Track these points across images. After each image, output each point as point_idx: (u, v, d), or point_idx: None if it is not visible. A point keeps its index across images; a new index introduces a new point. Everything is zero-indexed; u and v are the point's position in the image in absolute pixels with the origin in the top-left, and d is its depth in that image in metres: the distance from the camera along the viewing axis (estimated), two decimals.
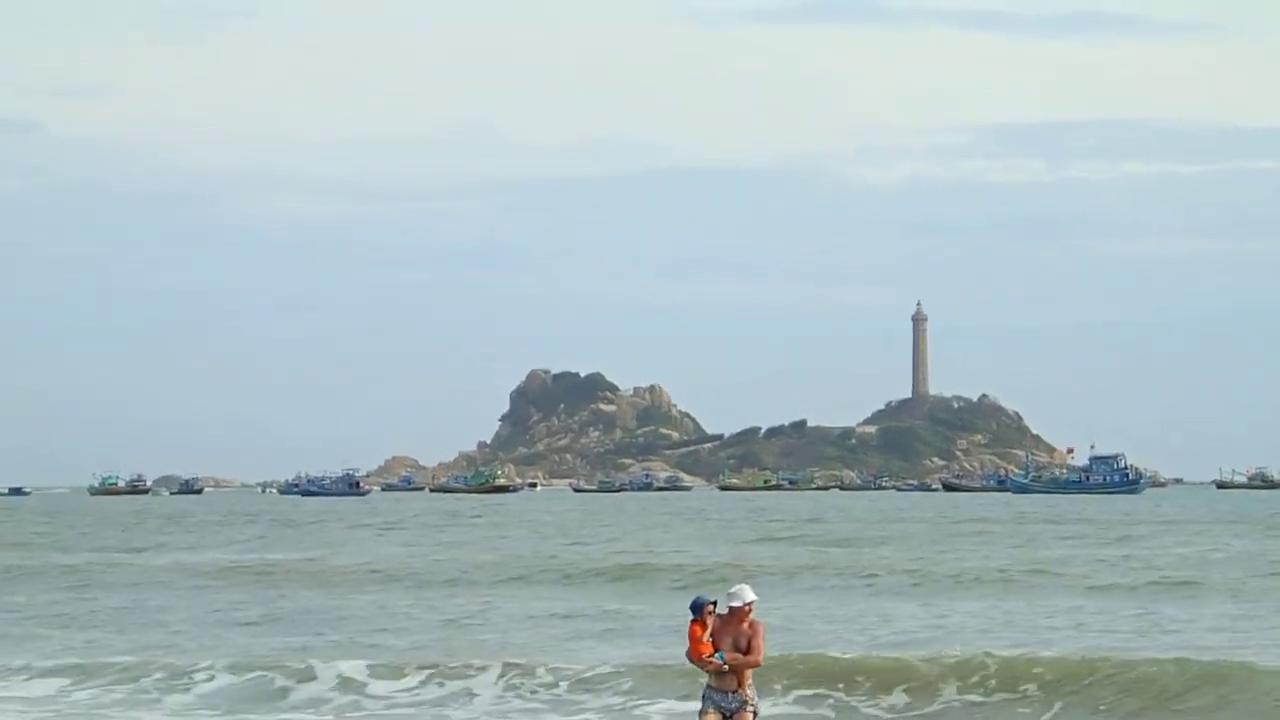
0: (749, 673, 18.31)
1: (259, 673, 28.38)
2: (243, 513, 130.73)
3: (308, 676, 27.97)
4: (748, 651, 18.20)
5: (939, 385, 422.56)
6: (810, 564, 52.08)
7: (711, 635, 18.18)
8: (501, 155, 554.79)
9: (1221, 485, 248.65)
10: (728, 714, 18.32)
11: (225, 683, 27.97)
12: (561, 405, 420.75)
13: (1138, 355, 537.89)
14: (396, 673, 27.97)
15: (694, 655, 18.29)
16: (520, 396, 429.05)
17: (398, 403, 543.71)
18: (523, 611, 38.92)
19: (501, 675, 27.52)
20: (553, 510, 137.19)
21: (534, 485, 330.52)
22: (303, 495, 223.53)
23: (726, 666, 18.17)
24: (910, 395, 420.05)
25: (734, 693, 18.28)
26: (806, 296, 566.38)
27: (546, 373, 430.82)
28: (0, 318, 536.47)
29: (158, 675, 28.50)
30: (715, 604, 18.29)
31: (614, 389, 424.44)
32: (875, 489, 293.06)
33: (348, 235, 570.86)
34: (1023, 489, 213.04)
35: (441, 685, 27.35)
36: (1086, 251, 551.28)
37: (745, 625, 18.22)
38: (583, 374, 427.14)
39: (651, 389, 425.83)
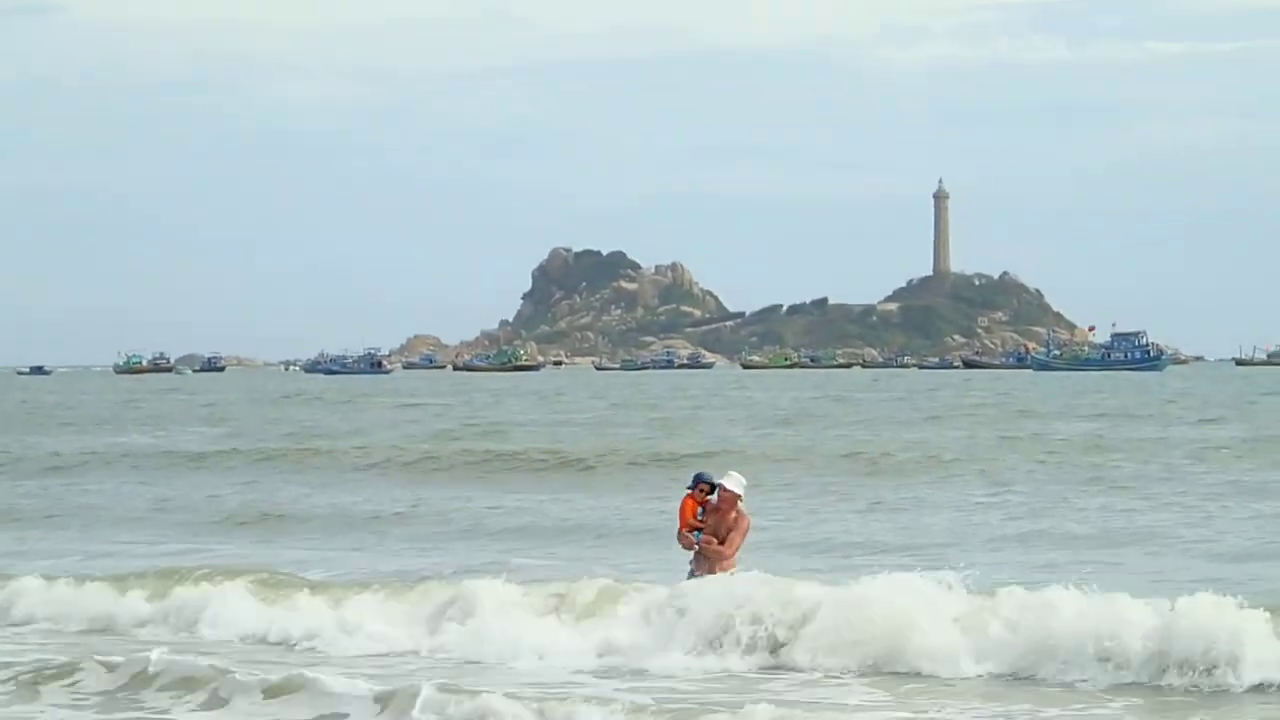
0: (727, 563, 18.21)
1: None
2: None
3: None
4: (723, 541, 18.20)
5: (960, 263, 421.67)
6: None
7: (703, 517, 18.30)
8: (527, 39, 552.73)
9: (1241, 362, 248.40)
10: None
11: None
12: (583, 283, 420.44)
13: (1160, 233, 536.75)
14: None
15: (680, 530, 18.48)
16: (542, 275, 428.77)
17: (419, 281, 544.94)
18: None
19: None
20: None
21: (559, 363, 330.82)
22: (326, 374, 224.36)
23: (696, 548, 18.21)
24: (932, 273, 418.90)
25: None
26: (828, 176, 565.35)
27: (568, 251, 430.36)
28: (19, 204, 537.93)
29: None
30: (712, 486, 18.33)
31: (636, 267, 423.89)
32: (897, 366, 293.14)
33: (372, 118, 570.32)
34: (1044, 366, 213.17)
35: None
36: (1110, 130, 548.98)
37: (731, 515, 18.19)
38: (604, 252, 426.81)
39: (673, 267, 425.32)
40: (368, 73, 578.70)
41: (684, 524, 18.27)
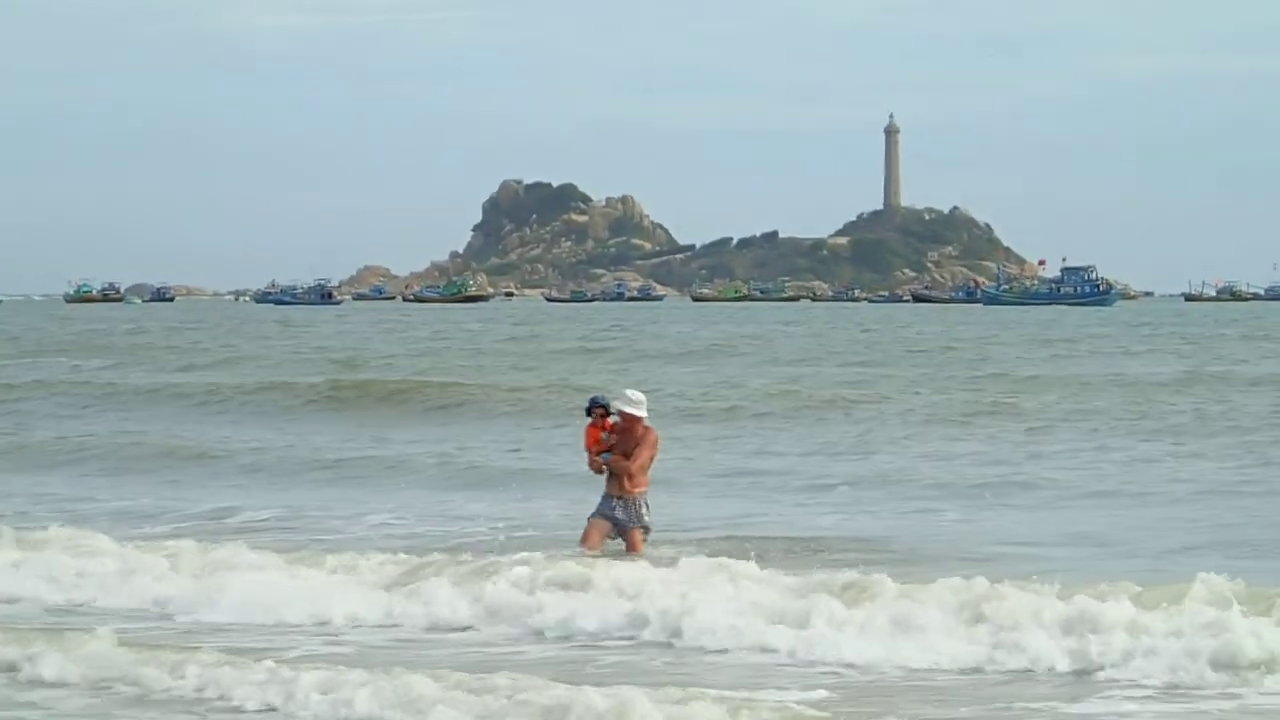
0: (638, 483, 18.10)
1: None
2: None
3: None
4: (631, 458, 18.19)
5: (910, 197, 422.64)
6: None
7: (609, 439, 18.19)
8: None
9: (1190, 298, 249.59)
10: (618, 524, 18.22)
11: None
12: (534, 216, 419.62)
13: (1111, 168, 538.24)
14: None
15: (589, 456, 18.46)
16: (493, 207, 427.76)
17: (370, 213, 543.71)
18: None
19: None
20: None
21: (510, 295, 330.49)
22: (276, 304, 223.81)
23: (605, 468, 18.14)
24: (882, 207, 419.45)
25: (619, 499, 18.13)
26: (779, 108, 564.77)
27: (519, 183, 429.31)
28: None
29: None
30: (605, 408, 18.22)
31: (586, 199, 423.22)
32: (847, 300, 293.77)
33: (324, 48, 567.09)
34: (994, 300, 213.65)
35: None
36: (1060, 64, 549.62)
37: (637, 431, 18.09)
38: (555, 184, 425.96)
39: (624, 199, 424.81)
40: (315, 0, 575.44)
41: (588, 446, 18.26)
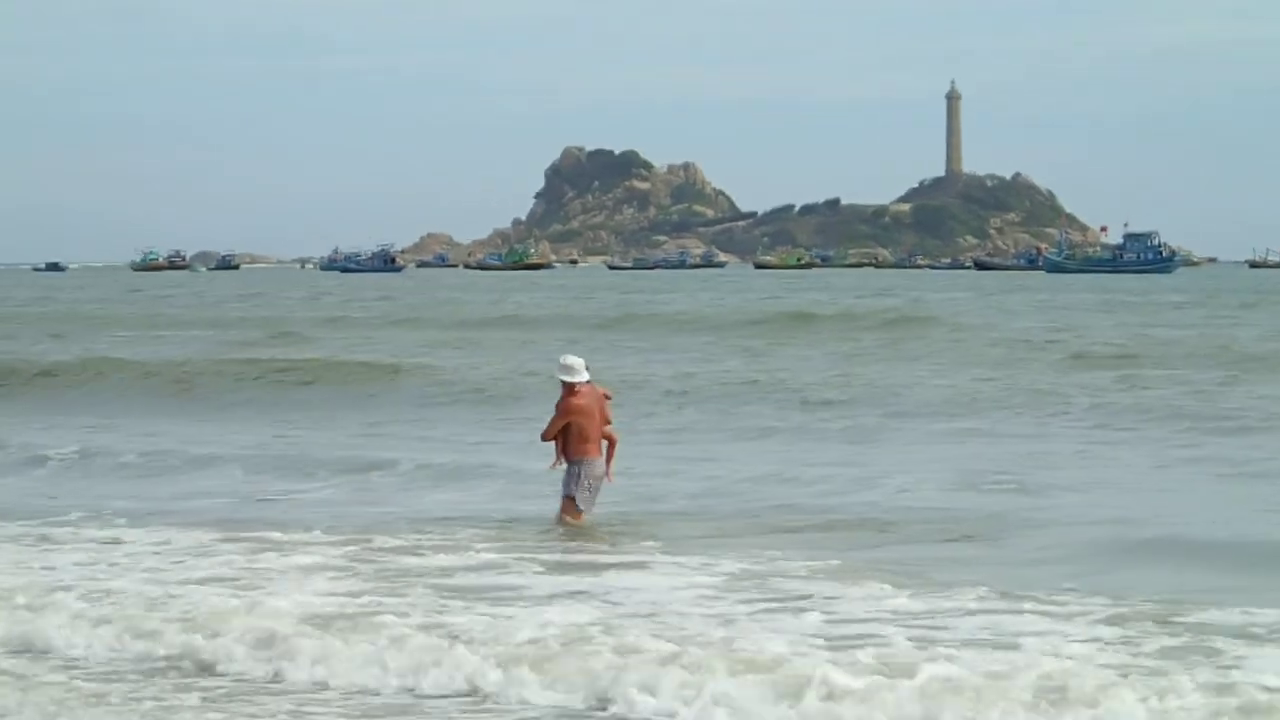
0: (574, 451, 17.49)
1: None
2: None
3: None
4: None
5: (972, 164, 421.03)
6: None
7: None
8: None
9: (1254, 265, 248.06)
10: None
11: None
12: (596, 183, 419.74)
13: (1175, 135, 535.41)
14: None
15: None
16: (555, 174, 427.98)
17: (433, 180, 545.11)
18: None
19: None
20: None
21: (574, 262, 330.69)
22: (341, 271, 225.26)
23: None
24: (944, 173, 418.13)
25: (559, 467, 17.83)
26: (841, 75, 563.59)
27: (581, 150, 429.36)
28: (44, 104, 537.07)
29: None
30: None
31: (648, 166, 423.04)
32: (910, 267, 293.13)
33: (393, 11, 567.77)
34: (1056, 267, 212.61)
35: None
36: (1125, 31, 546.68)
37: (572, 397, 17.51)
38: (617, 151, 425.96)
39: (686, 166, 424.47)
40: None
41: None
